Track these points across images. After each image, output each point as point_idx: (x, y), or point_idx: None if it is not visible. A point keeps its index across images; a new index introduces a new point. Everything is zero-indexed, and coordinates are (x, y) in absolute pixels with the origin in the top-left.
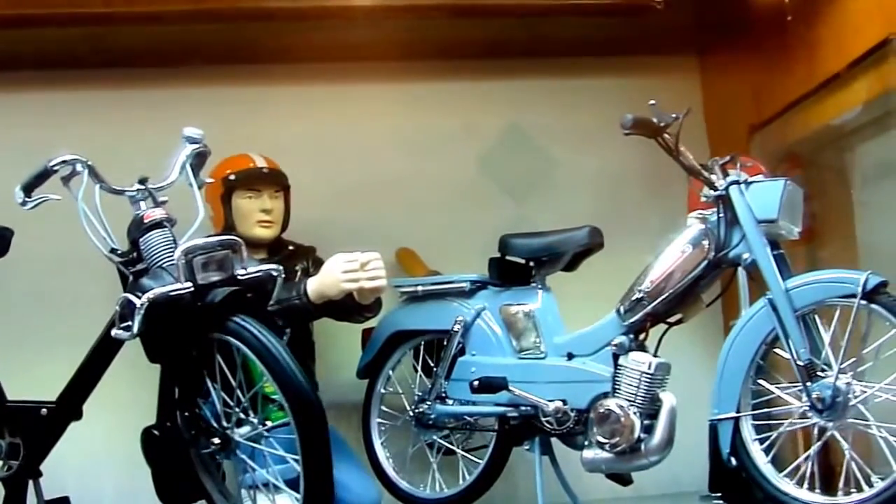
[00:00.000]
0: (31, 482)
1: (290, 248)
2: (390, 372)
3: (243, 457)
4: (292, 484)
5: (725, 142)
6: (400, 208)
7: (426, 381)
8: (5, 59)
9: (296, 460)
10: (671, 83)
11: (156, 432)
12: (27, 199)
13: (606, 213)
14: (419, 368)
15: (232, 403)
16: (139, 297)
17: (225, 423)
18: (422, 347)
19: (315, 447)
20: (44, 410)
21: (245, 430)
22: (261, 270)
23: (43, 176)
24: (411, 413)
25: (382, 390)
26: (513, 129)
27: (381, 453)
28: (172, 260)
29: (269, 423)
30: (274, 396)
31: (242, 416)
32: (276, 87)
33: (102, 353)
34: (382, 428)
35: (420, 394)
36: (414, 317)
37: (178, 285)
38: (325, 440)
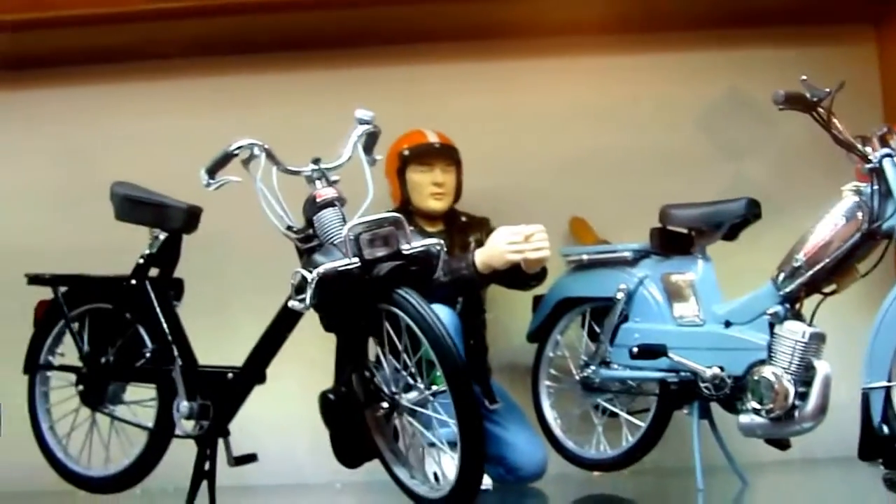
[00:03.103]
0: (221, 441)
1: (464, 219)
2: (558, 336)
3: (410, 419)
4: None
5: None
6: (574, 179)
7: (592, 346)
8: (196, 45)
9: None
10: (848, 52)
11: (331, 396)
12: (210, 181)
13: (775, 184)
14: (585, 334)
15: (400, 369)
16: (311, 272)
17: (394, 389)
18: (587, 314)
19: (467, 410)
20: (230, 375)
21: (413, 394)
22: (424, 245)
23: (225, 159)
24: (578, 377)
25: (551, 354)
26: (685, 102)
27: (550, 414)
28: (342, 236)
29: (434, 388)
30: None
31: (410, 380)
32: (454, 63)
33: (283, 323)
34: (551, 390)
35: (586, 358)
36: (580, 284)
37: (346, 261)
38: (475, 403)
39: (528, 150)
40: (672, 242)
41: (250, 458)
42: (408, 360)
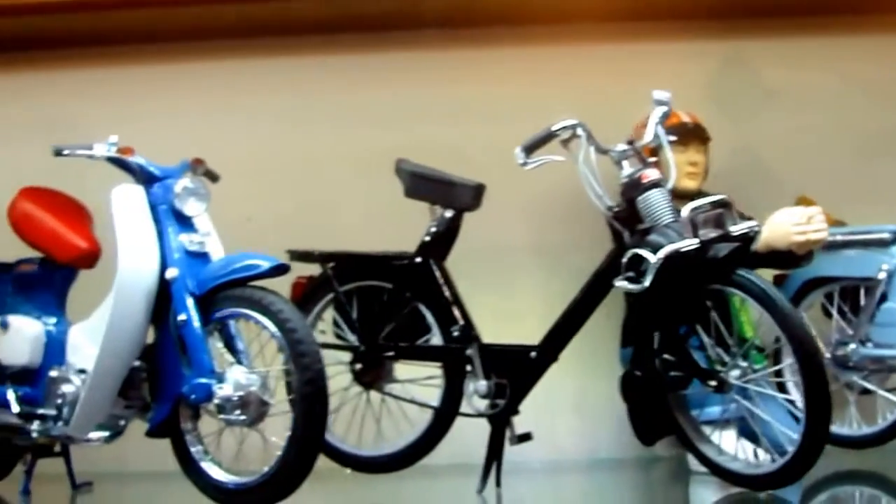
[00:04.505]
0: None
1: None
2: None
3: (737, 397)
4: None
5: None
6: (797, 157)
7: (843, 325)
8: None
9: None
10: None
11: (638, 374)
12: (528, 160)
13: None
14: (835, 313)
15: (731, 350)
16: (651, 254)
17: (720, 368)
18: (836, 293)
19: (818, 386)
20: (533, 354)
21: (736, 373)
22: (748, 227)
23: (546, 139)
24: (829, 354)
25: None
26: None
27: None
28: (675, 217)
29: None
30: (757, 342)
31: (739, 361)
32: (675, 43)
33: (589, 302)
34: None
35: (839, 337)
36: (831, 264)
37: (687, 241)
38: (825, 381)
39: (749, 130)
40: None
41: (527, 437)
42: (734, 342)
